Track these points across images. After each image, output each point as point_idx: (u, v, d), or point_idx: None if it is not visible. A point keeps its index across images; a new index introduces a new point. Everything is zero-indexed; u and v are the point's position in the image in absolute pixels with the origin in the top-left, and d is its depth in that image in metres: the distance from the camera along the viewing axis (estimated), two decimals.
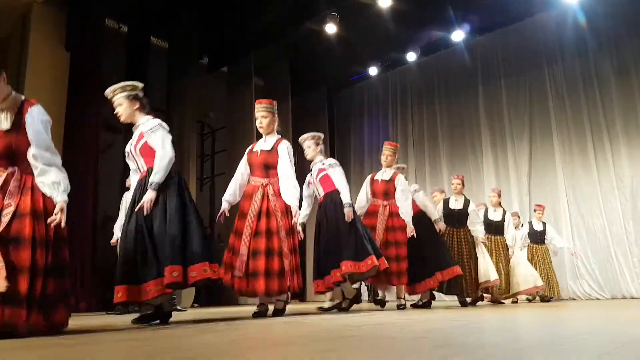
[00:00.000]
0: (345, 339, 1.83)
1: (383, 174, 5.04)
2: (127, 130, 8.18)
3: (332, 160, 4.58)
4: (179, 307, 6.08)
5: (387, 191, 4.93)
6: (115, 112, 3.22)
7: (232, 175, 4.07)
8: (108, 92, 3.23)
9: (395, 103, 10.57)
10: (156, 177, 2.98)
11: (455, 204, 5.78)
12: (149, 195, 2.95)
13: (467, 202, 5.80)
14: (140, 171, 3.19)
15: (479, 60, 9.39)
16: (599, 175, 7.86)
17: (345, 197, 4.26)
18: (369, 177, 5.19)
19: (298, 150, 5.06)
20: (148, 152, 3.10)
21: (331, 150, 11.17)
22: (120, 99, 3.17)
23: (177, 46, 9.02)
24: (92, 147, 7.32)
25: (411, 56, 9.98)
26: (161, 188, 2.99)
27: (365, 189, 5.08)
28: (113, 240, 5.52)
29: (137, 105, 3.18)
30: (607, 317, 3.20)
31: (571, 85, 8.34)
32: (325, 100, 11.36)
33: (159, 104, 8.91)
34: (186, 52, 8.96)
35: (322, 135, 4.78)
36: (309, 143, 4.61)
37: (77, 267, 6.78)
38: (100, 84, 7.76)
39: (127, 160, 3.30)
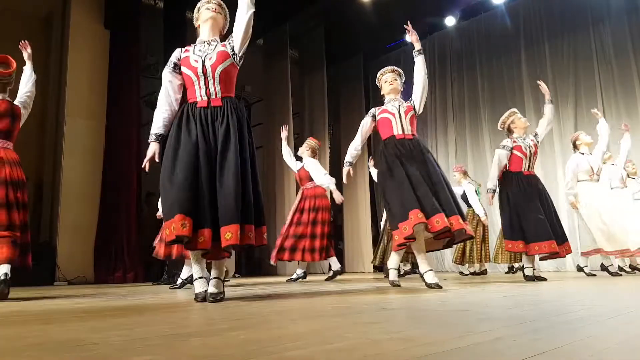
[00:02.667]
0: (388, 311, 1.84)
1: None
2: None
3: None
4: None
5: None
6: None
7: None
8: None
9: (433, 70, 10.29)
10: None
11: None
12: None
13: None
14: (203, 97, 2.69)
15: (520, 22, 9.00)
16: None
17: None
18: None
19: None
20: (229, 79, 2.77)
21: None
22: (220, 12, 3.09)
23: None
24: (134, 122, 7.50)
25: (450, 20, 9.66)
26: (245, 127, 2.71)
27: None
28: (159, 214, 5.68)
29: (226, 27, 3.12)
30: None
31: (619, 46, 7.89)
32: (361, 69, 11.19)
33: None
34: None
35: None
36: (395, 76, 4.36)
37: (123, 239, 7.06)
38: (139, 60, 7.91)
39: (169, 86, 2.84)
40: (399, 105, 4.04)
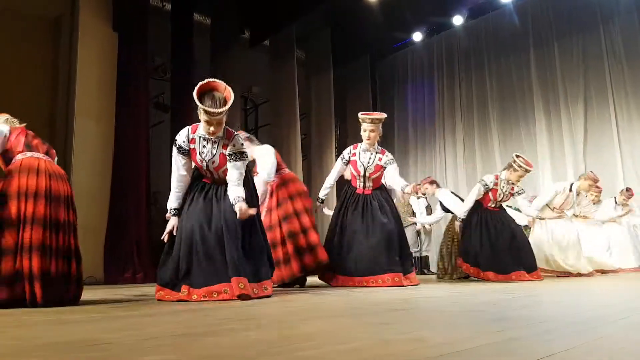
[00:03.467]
0: (398, 312, 1.84)
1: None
2: (175, 108, 8.40)
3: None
4: None
5: None
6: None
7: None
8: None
9: (441, 69, 10.26)
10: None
11: None
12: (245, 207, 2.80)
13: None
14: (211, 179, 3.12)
15: (529, 21, 8.95)
16: None
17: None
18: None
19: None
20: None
21: None
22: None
23: (219, 22, 9.05)
24: (143, 123, 7.53)
25: (457, 20, 9.62)
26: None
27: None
28: (168, 215, 5.70)
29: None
30: None
31: (630, 45, 7.81)
32: (368, 69, 11.18)
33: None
34: (228, 27, 8.98)
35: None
36: (373, 127, 4.35)
37: (132, 240, 7.09)
38: (147, 62, 7.95)
39: (180, 160, 3.20)
40: (369, 162, 4.25)
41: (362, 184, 4.22)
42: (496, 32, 9.41)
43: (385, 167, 4.20)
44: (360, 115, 4.32)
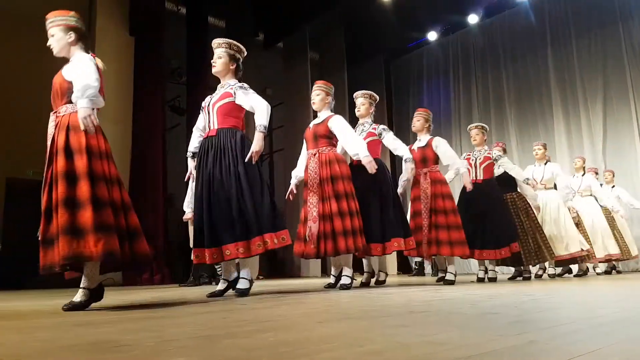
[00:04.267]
0: (415, 314, 1.83)
1: (419, 142, 4.80)
2: (190, 111, 8.47)
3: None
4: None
5: (424, 158, 4.62)
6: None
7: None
8: (217, 42, 3.46)
9: (456, 69, 10.20)
10: (263, 120, 3.10)
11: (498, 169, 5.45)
12: (260, 142, 3.06)
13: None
14: (209, 129, 3.24)
15: (546, 19, 8.85)
16: None
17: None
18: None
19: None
20: (227, 113, 3.20)
21: (389, 119, 11.02)
22: (223, 53, 3.39)
23: (233, 24, 9.12)
24: (159, 126, 7.62)
25: (473, 18, 9.56)
26: (242, 155, 3.07)
27: None
28: (185, 217, 5.76)
29: (233, 66, 3.39)
30: None
31: None
32: (382, 69, 11.17)
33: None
34: (242, 29, 9.05)
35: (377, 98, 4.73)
36: (363, 101, 4.52)
37: (150, 242, 7.16)
38: (163, 66, 8.04)
39: (200, 117, 3.41)
40: (362, 131, 4.37)
41: None
42: (512, 30, 9.32)
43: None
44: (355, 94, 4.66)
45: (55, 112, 2.49)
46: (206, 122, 3.28)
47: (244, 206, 2.98)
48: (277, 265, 9.80)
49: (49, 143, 2.42)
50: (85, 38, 2.65)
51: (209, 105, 3.29)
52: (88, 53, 2.60)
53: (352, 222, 3.61)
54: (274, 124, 11.24)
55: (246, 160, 3.03)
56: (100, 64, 2.60)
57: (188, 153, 3.49)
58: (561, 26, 8.68)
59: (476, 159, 5.20)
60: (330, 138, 3.86)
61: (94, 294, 2.47)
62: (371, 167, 3.72)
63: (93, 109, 2.45)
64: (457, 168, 4.65)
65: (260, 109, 3.14)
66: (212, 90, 3.42)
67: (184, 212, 5.83)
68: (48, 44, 2.61)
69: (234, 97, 3.21)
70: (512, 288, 3.60)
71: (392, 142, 4.37)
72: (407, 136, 10.98)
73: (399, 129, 11.28)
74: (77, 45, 2.59)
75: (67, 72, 2.49)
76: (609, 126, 8.04)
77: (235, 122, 3.22)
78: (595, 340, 1.18)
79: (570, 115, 8.45)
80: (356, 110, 4.49)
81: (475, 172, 5.13)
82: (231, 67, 3.35)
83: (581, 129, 8.27)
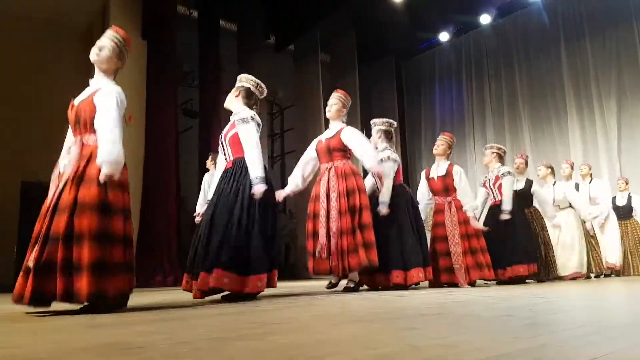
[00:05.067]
0: (428, 317, 1.82)
1: (437, 169, 4.63)
2: (203, 114, 8.52)
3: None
4: None
5: (446, 187, 4.53)
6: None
7: (302, 153, 4.18)
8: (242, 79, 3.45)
9: (469, 69, 10.14)
10: (257, 171, 2.96)
11: (517, 184, 5.33)
12: (260, 189, 2.91)
13: (528, 183, 5.48)
14: (226, 160, 3.21)
15: (559, 18, 8.77)
16: None
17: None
18: (423, 173, 4.88)
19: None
20: (236, 143, 3.12)
21: (401, 121, 10.98)
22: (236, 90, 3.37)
23: (245, 27, 9.16)
24: (172, 130, 7.68)
25: (485, 19, 9.51)
26: (247, 185, 2.97)
27: (423, 185, 4.80)
28: (198, 219, 5.79)
29: (238, 95, 3.33)
30: None
31: None
32: (393, 71, 11.14)
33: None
34: (254, 32, 9.09)
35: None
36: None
37: (163, 244, 7.22)
38: (175, 69, 8.10)
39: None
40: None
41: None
42: (525, 30, 9.25)
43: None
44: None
45: (82, 138, 2.45)
46: (222, 154, 3.27)
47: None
48: (287, 267, 9.82)
49: (68, 169, 2.36)
50: (119, 69, 2.78)
51: (221, 136, 3.26)
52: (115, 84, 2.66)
53: (367, 235, 3.58)
54: (285, 126, 11.28)
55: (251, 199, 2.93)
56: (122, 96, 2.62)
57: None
58: (574, 25, 8.59)
59: (489, 180, 5.16)
60: (345, 151, 3.82)
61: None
62: (378, 171, 3.73)
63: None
64: (466, 210, 4.44)
65: (249, 159, 3.02)
66: (225, 93, 3.47)
67: (194, 214, 5.87)
68: (97, 49, 2.71)
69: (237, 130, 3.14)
70: (525, 290, 3.56)
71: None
72: (418, 137, 10.96)
73: (410, 130, 11.25)
74: (112, 73, 2.72)
75: (98, 101, 2.48)
76: (623, 123, 7.95)
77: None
78: (608, 343, 1.16)
79: (584, 113, 8.36)
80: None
81: (493, 194, 5.10)
82: (236, 95, 3.39)
83: (595, 126, 8.17)
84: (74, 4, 7.89)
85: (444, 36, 10.18)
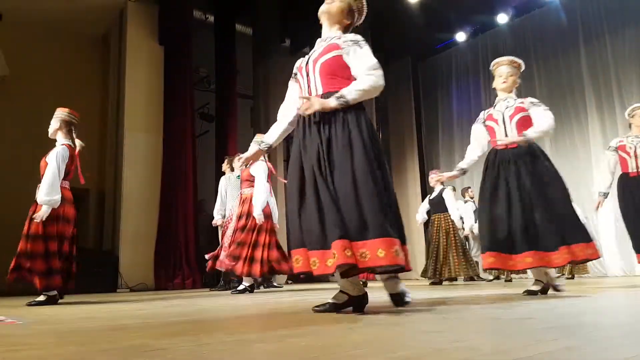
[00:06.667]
0: (448, 320, 1.80)
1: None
2: (219, 118, 8.58)
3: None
4: (275, 284, 6.35)
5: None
6: None
7: None
8: None
9: (486, 69, 10.01)
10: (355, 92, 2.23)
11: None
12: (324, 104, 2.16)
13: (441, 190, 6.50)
14: (306, 93, 2.41)
15: (578, 17, 8.64)
16: None
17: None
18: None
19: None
20: (334, 71, 2.35)
21: (417, 120, 10.92)
22: None
23: (260, 31, 9.21)
24: (189, 133, 7.75)
25: (502, 18, 9.41)
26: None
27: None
28: (215, 222, 5.84)
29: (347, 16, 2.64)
30: None
31: None
32: (410, 71, 11.09)
33: (245, 90, 9.20)
34: (269, 36, 9.13)
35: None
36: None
37: (181, 247, 7.29)
38: (192, 73, 8.19)
39: (291, 83, 2.67)
40: (506, 107, 3.57)
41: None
42: (543, 29, 9.13)
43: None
44: (495, 61, 3.84)
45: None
46: (304, 90, 2.44)
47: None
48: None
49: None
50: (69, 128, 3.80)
51: (307, 63, 2.49)
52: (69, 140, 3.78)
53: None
54: None
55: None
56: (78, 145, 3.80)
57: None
58: (593, 24, 8.46)
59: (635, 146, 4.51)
60: None
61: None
62: None
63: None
64: None
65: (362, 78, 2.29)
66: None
67: (212, 217, 5.93)
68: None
69: (342, 52, 2.37)
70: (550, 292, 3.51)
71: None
72: (436, 138, 10.87)
73: (428, 130, 11.17)
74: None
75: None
76: None
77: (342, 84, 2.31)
78: (632, 347, 1.14)
79: (605, 112, 8.22)
80: (501, 82, 3.74)
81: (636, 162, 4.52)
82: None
83: (617, 126, 8.02)
84: (91, 11, 8.02)
85: (460, 36, 10.10)
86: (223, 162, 6.29)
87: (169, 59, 7.86)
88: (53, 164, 3.55)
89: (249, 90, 9.15)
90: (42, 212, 3.46)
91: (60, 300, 3.61)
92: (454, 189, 8.03)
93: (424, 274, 6.64)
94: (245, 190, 5.06)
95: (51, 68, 8.00)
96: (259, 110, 8.72)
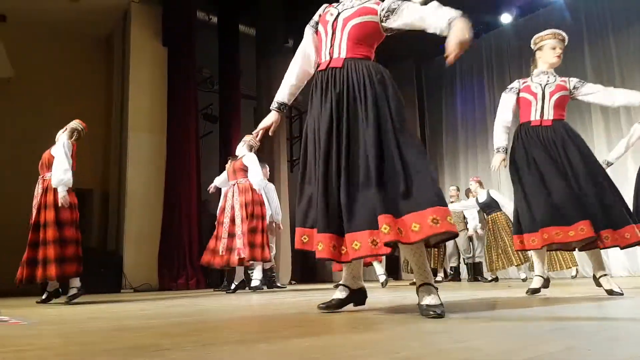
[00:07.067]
0: (450, 320, 1.80)
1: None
2: (223, 119, 8.59)
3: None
4: (278, 284, 6.35)
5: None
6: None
7: None
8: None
9: (490, 70, 10.02)
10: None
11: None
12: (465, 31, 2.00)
13: None
14: (329, 56, 2.35)
15: (582, 17, 8.61)
16: None
17: None
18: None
19: None
20: (364, 36, 2.27)
21: (421, 122, 10.90)
22: None
23: (264, 32, 9.21)
24: (193, 134, 7.76)
25: (506, 18, 9.39)
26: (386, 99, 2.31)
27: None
28: (210, 187, 5.85)
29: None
30: None
31: None
32: (413, 72, 11.07)
33: (248, 90, 9.21)
34: (273, 37, 9.13)
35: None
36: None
37: (185, 248, 7.30)
38: (195, 74, 8.20)
39: (308, 30, 2.59)
40: (547, 83, 3.36)
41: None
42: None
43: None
44: (540, 34, 3.61)
45: (43, 177, 3.80)
46: (326, 46, 2.33)
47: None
48: (308, 270, 9.81)
49: (36, 200, 3.75)
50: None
51: (336, 18, 2.29)
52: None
53: None
54: (303, 131, 11.28)
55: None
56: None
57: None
58: (597, 23, 8.43)
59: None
60: None
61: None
62: None
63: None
64: None
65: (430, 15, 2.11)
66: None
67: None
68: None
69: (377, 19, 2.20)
70: (550, 291, 3.50)
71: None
72: (440, 139, 10.85)
73: (431, 131, 11.16)
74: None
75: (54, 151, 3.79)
76: None
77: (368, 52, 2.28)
78: (635, 348, 1.14)
79: (609, 112, 8.19)
80: (553, 56, 3.53)
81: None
82: None
83: (621, 127, 7.99)
84: (95, 12, 8.04)
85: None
86: (227, 163, 6.29)
87: (172, 60, 7.87)
88: (62, 149, 3.71)
89: (252, 91, 9.15)
90: (62, 196, 3.58)
91: (60, 301, 3.65)
92: (458, 189, 8.03)
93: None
94: (241, 180, 5.18)
95: (55, 69, 8.03)
96: (263, 111, 8.71)
